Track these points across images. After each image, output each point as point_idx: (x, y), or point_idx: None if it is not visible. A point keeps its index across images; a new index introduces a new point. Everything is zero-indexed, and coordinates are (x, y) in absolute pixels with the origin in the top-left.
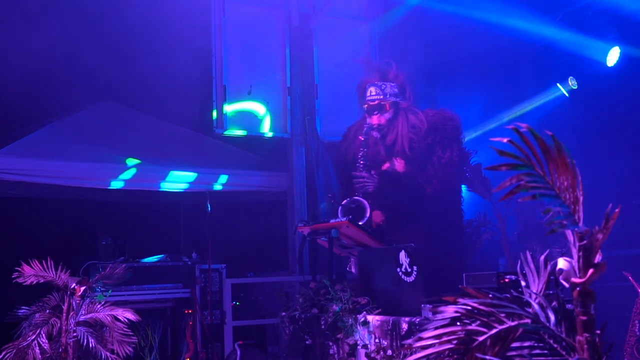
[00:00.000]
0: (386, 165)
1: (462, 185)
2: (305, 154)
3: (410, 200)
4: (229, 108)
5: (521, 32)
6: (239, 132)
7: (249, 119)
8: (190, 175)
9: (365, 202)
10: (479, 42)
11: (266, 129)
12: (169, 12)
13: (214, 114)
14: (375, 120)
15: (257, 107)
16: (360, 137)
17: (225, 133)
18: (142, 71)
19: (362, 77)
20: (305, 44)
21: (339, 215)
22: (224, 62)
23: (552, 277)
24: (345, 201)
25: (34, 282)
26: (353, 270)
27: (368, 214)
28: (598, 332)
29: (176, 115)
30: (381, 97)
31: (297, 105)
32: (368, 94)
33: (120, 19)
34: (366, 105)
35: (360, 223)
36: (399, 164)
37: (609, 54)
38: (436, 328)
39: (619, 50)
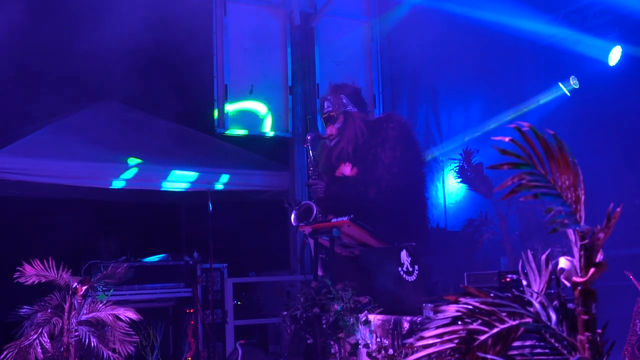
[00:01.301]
0: (338, 172)
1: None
2: (306, 153)
3: (358, 203)
4: (230, 107)
5: (523, 31)
6: (240, 132)
7: (250, 119)
8: (192, 175)
9: (311, 203)
10: (480, 41)
11: (267, 128)
12: (170, 11)
13: (216, 113)
14: (328, 131)
15: (259, 107)
16: (305, 144)
17: (226, 132)
18: (143, 70)
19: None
20: (307, 43)
21: (293, 220)
22: (225, 61)
23: (553, 277)
24: (296, 207)
25: (36, 282)
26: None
27: (314, 214)
28: (599, 331)
29: (177, 114)
30: (331, 108)
31: (299, 104)
32: (323, 109)
33: (121, 18)
34: (322, 120)
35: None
36: (345, 169)
37: (610, 53)
38: (437, 327)
39: (620, 50)
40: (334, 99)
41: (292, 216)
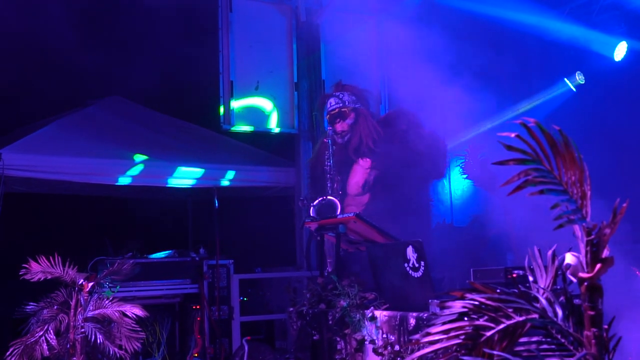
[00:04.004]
0: (354, 167)
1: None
2: (312, 149)
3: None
4: (236, 104)
5: (528, 26)
6: (246, 128)
7: (256, 115)
8: (198, 171)
9: (335, 200)
10: (486, 36)
11: (273, 124)
12: (177, 7)
13: (221, 109)
14: (338, 127)
15: (264, 103)
16: (324, 139)
17: (232, 129)
18: (149, 67)
19: (342, 83)
20: (312, 40)
21: (312, 214)
22: (231, 57)
23: (559, 272)
24: (316, 201)
25: (42, 279)
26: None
27: (339, 211)
28: (606, 326)
29: (183, 111)
30: (340, 104)
31: (305, 100)
32: (328, 106)
33: (127, 15)
34: (328, 116)
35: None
36: (364, 163)
37: (616, 49)
38: (444, 323)
39: (626, 45)
40: (343, 96)
41: (311, 211)
